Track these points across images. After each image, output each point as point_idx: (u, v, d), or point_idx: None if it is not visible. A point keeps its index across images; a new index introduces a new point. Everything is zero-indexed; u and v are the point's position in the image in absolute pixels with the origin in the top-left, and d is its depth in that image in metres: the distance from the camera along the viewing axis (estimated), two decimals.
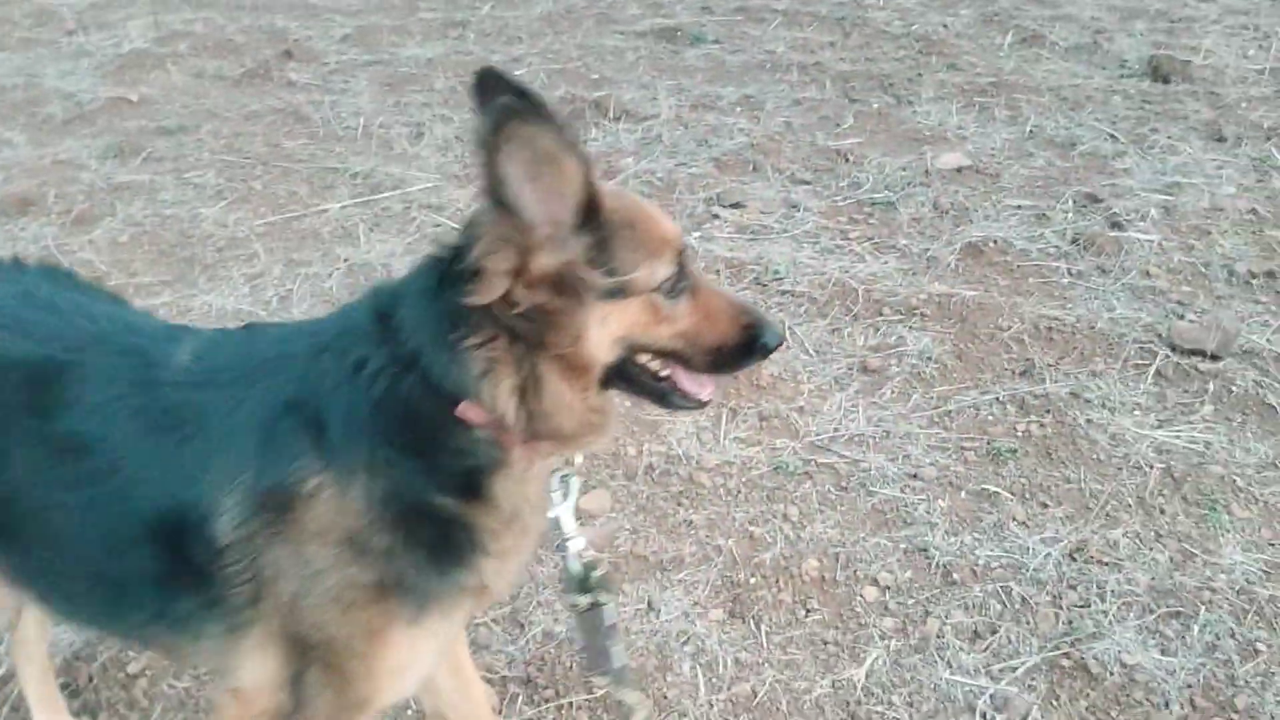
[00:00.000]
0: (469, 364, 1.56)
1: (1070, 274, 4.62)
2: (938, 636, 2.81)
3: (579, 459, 1.84)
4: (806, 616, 2.88)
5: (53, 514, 1.74)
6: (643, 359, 1.70)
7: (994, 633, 2.81)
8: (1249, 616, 2.85)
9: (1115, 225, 5.02)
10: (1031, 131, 6.21)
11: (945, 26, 8.17)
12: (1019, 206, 5.26)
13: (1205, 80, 6.97)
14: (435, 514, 1.63)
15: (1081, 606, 2.87)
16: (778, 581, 2.99)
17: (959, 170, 5.67)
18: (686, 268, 1.69)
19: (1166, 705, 2.61)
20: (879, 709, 2.60)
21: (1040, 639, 2.78)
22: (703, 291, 1.73)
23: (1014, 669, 2.70)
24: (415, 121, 6.30)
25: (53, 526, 1.75)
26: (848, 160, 5.80)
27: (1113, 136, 6.10)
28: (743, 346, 1.74)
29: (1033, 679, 2.68)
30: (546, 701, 2.60)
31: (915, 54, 7.59)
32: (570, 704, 2.59)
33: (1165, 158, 5.77)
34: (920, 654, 2.76)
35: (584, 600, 1.76)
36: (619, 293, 1.60)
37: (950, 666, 2.72)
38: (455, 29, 8.25)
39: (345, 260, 4.69)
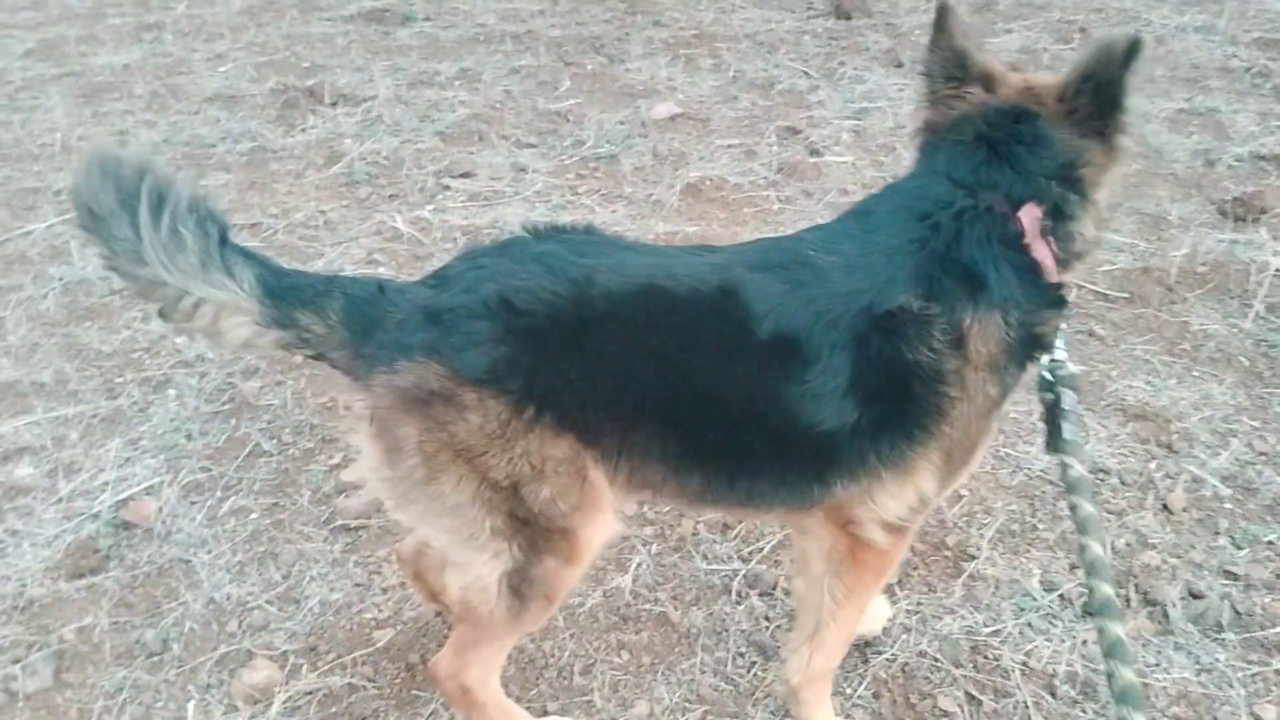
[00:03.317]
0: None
1: (779, 200, 5.00)
2: (693, 534, 3.06)
3: None
4: None
5: (780, 405, 1.94)
6: None
7: (740, 521, 3.08)
8: None
9: (814, 152, 5.47)
10: (734, 76, 6.61)
11: None
12: (729, 145, 5.62)
13: (882, 13, 7.63)
14: (1041, 332, 2.04)
15: None
16: None
17: (672, 119, 5.98)
18: None
19: None
20: (646, 606, 2.82)
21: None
22: None
23: (761, 549, 2.99)
24: (118, 130, 6.00)
25: (775, 417, 1.95)
26: (569, 120, 6.00)
27: (806, 73, 6.59)
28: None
29: (777, 554, 2.97)
30: (331, 664, 2.66)
31: (622, 14, 7.88)
32: (354, 659, 2.66)
33: (853, 87, 6.31)
34: (678, 552, 3.00)
35: (1050, 397, 2.15)
36: None
37: (706, 558, 2.97)
38: (150, 31, 7.85)
39: (60, 279, 4.45)
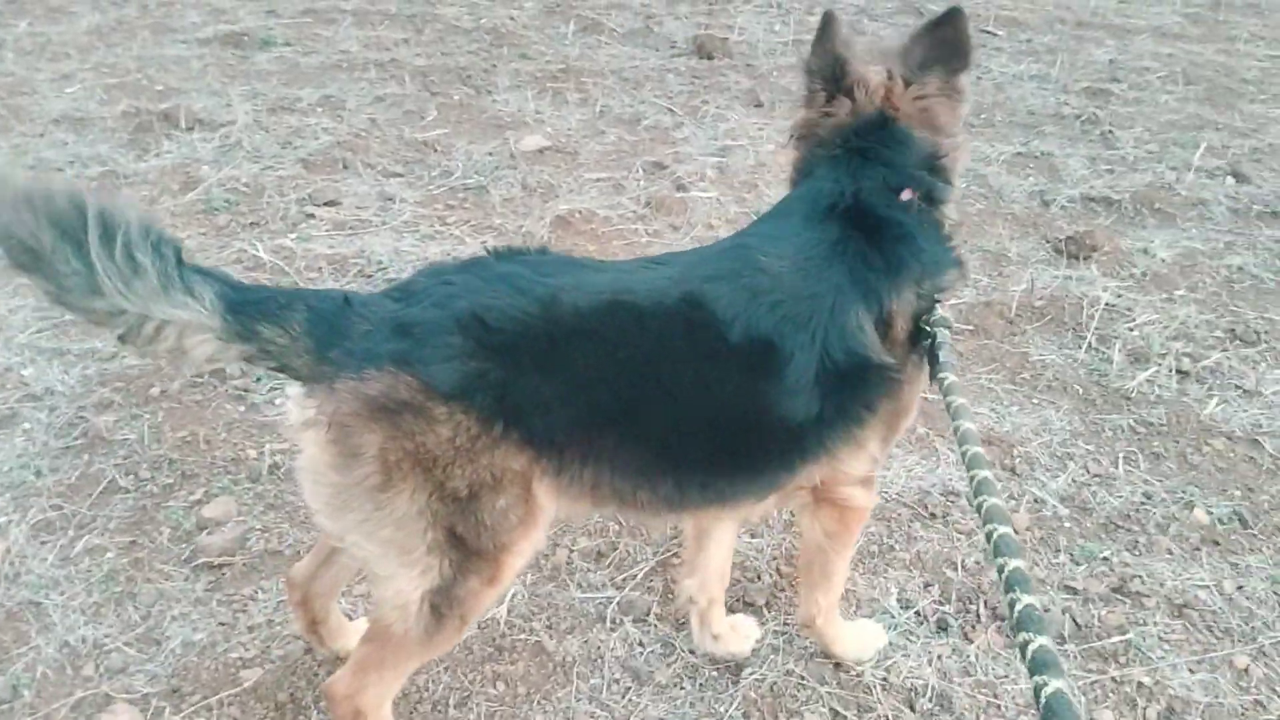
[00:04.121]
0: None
1: (647, 233, 5.12)
2: (567, 563, 3.09)
3: None
4: None
5: (757, 405, 2.11)
6: None
7: (615, 549, 3.14)
8: None
9: (680, 187, 5.61)
10: (601, 111, 6.72)
11: (513, 19, 8.57)
12: (598, 179, 5.71)
13: (742, 55, 7.89)
14: (945, 287, 2.32)
15: None
16: None
17: (541, 151, 6.04)
18: None
19: (759, 577, 3.07)
20: (521, 636, 2.84)
21: (653, 546, 3.15)
22: None
23: (634, 576, 3.04)
24: None
25: (753, 416, 2.12)
26: (436, 150, 5.99)
27: (671, 110, 6.76)
28: None
29: (650, 581, 3.03)
30: (196, 706, 2.58)
31: (488, 46, 7.91)
32: (220, 700, 2.59)
33: (716, 125, 6.50)
34: (554, 581, 3.03)
35: (928, 342, 2.27)
36: None
37: (581, 586, 3.01)
38: None
39: None
